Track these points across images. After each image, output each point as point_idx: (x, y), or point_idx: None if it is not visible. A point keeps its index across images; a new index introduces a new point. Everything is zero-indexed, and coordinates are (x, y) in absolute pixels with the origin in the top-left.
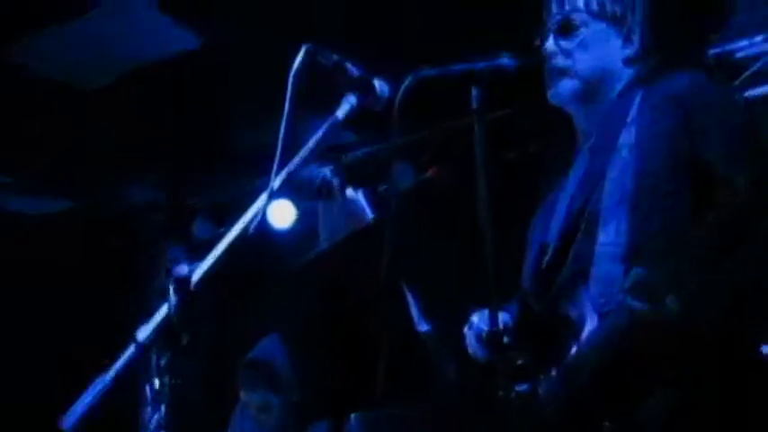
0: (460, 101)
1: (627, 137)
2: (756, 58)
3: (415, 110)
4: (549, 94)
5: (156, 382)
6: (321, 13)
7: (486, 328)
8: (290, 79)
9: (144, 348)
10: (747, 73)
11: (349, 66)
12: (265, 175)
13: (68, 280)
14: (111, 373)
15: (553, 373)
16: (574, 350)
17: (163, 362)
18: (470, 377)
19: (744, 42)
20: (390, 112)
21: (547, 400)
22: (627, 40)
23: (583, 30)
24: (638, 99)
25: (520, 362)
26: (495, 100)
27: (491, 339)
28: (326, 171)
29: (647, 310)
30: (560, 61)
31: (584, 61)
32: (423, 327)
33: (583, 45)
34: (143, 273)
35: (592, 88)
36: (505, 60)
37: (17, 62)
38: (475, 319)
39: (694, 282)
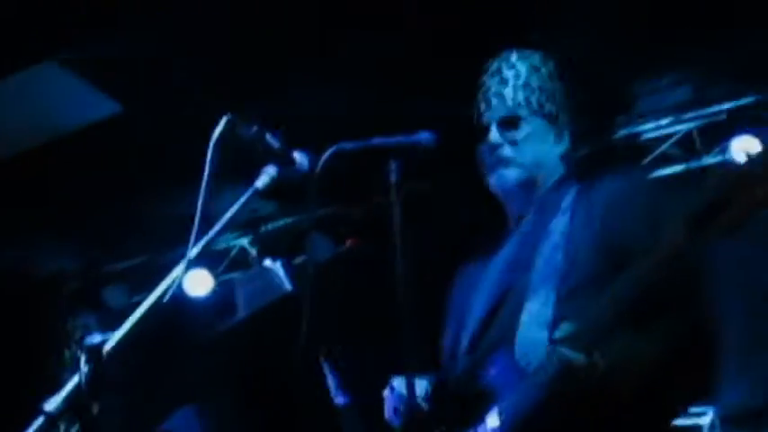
0: (380, 173)
1: (559, 224)
2: (662, 139)
3: (335, 182)
4: (491, 181)
5: None
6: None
7: (404, 393)
8: (210, 148)
9: (52, 419)
10: (655, 154)
11: (269, 137)
12: (180, 245)
13: None
14: None
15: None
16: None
17: None
18: None
19: (650, 125)
20: (309, 184)
21: None
22: (558, 136)
23: (525, 125)
24: (572, 192)
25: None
26: (415, 173)
27: (408, 413)
28: (244, 242)
29: (579, 360)
30: (506, 151)
31: (528, 153)
32: (339, 399)
33: (527, 138)
34: (54, 343)
35: (533, 179)
36: (424, 136)
37: None
38: (395, 383)
39: (618, 342)
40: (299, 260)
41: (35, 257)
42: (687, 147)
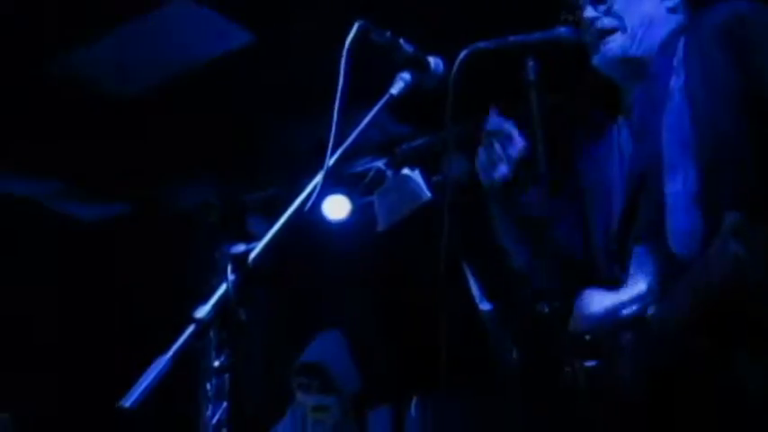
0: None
1: (677, 81)
2: None
3: (470, 91)
4: (596, 57)
5: (216, 362)
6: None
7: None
8: (344, 55)
9: (203, 325)
10: None
11: (402, 43)
12: (318, 171)
13: (127, 280)
14: (171, 352)
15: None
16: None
17: (222, 343)
18: (532, 356)
19: None
20: (445, 93)
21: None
22: None
23: None
24: (681, 44)
25: (587, 337)
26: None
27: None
28: (380, 164)
29: (751, 260)
30: (604, 22)
31: (626, 15)
32: (484, 306)
33: (623, 3)
34: (200, 272)
35: (638, 41)
36: (563, 30)
37: (69, 71)
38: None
39: None
40: (435, 179)
41: (176, 191)
42: None
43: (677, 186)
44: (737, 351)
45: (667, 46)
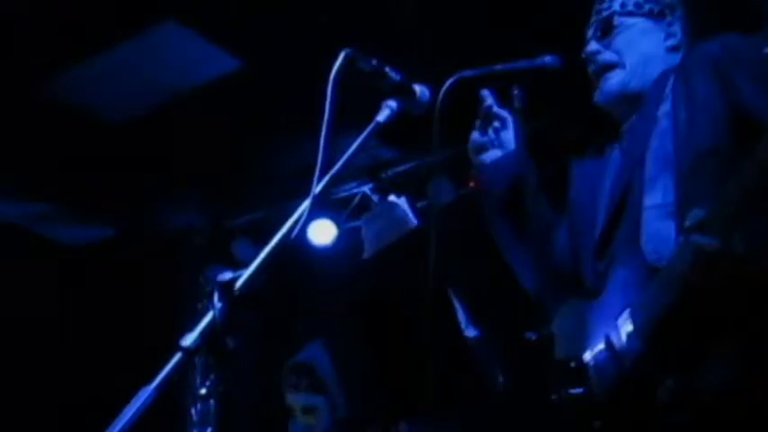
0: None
1: (664, 108)
2: None
3: (456, 118)
4: (597, 95)
5: (202, 389)
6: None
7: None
8: (330, 83)
9: (189, 354)
10: None
11: (389, 70)
12: (303, 196)
13: (112, 305)
14: (156, 382)
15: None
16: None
17: (208, 369)
18: (519, 382)
19: None
20: (430, 121)
21: (623, 356)
22: (668, 34)
23: (622, 28)
24: (672, 76)
25: (572, 364)
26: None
27: None
28: (366, 189)
29: (714, 245)
30: (606, 56)
31: (628, 52)
32: (471, 332)
33: (626, 39)
34: (185, 296)
35: (637, 77)
36: (548, 59)
37: (55, 95)
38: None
39: (759, 224)
40: (421, 204)
41: (162, 215)
42: None
43: (656, 200)
44: (709, 355)
45: (661, 79)
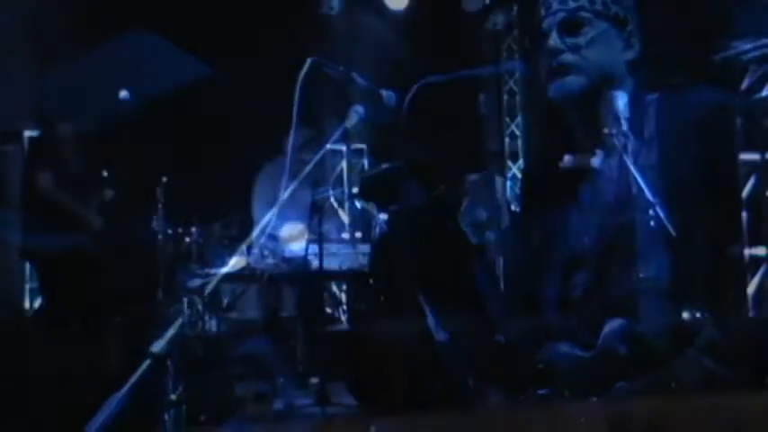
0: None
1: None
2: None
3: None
4: (552, 88)
5: (173, 395)
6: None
7: None
8: (297, 91)
9: (159, 359)
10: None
11: (355, 76)
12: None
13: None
14: (126, 388)
15: None
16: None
17: (179, 372)
18: (489, 385)
19: (748, 45)
20: (398, 122)
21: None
22: (627, 42)
23: (588, 28)
24: (652, 109)
25: (540, 366)
26: None
27: None
28: (336, 192)
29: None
30: (568, 58)
31: (592, 59)
32: (440, 335)
33: (591, 43)
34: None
35: (597, 87)
36: (512, 65)
37: None
38: None
39: None
40: (393, 207)
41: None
42: None
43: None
44: None
45: (630, 103)
